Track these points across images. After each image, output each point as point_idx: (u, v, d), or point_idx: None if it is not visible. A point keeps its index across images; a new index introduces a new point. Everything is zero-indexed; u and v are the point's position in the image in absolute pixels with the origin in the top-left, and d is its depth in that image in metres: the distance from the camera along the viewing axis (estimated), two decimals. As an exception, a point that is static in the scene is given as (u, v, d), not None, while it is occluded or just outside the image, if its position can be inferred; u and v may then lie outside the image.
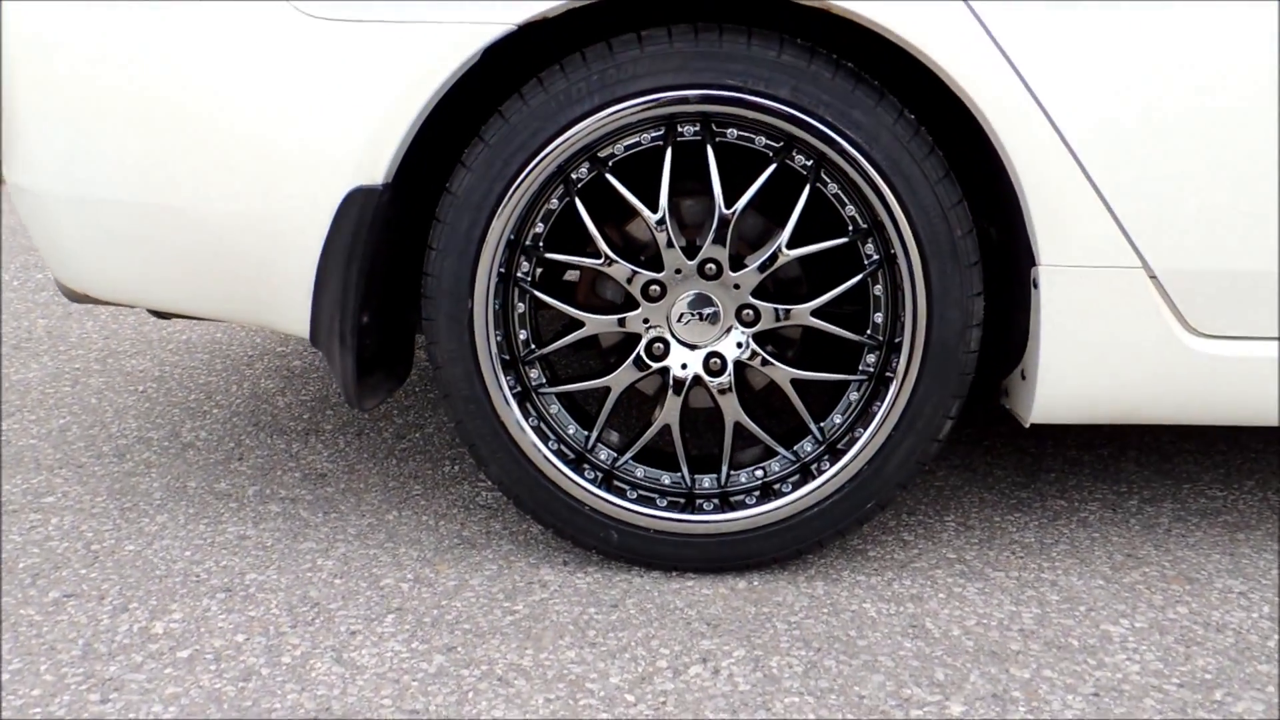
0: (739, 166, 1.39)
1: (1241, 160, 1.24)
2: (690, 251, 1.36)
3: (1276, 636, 1.32)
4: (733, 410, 1.43)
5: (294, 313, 1.40)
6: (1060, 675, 1.24)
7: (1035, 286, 1.32)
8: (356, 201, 1.31)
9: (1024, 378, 1.40)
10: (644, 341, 1.41)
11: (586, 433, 1.47)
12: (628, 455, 1.47)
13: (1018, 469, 1.82)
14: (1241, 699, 1.19)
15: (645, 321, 1.40)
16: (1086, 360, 1.33)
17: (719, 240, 1.35)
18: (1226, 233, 1.26)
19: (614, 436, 1.49)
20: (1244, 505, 1.68)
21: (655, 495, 1.46)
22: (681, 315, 1.38)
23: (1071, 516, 1.65)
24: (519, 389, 1.43)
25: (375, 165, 1.31)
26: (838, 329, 1.39)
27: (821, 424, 1.44)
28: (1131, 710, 1.17)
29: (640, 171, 1.39)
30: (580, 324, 1.42)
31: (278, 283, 1.38)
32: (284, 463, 1.85)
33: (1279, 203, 1.25)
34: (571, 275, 1.65)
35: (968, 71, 1.22)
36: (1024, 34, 1.21)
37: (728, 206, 1.33)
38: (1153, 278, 1.29)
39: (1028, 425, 1.41)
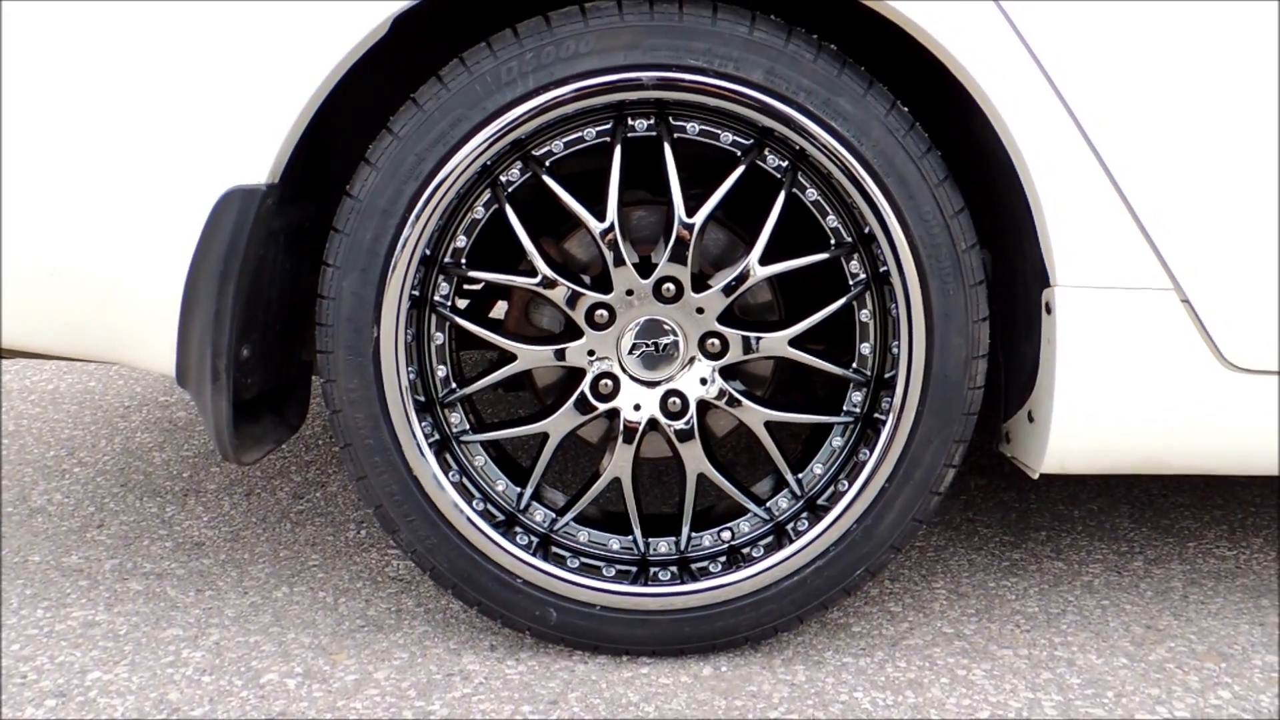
0: (702, 170, 1.18)
1: (1284, 162, 1.07)
2: (644, 270, 1.14)
3: (1337, 722, 1.12)
4: (696, 460, 1.19)
5: (155, 345, 1.13)
6: (1102, 780, 1.02)
7: (1049, 311, 1.13)
8: (233, 205, 1.06)
9: (1032, 420, 1.20)
10: (589, 378, 1.17)
11: (519, 489, 1.22)
12: (569, 516, 1.22)
13: (1003, 525, 1.62)
14: (1322, 806, 0.98)
15: (590, 354, 1.16)
16: (1106, 399, 1.14)
17: (678, 256, 1.12)
18: (1271, 251, 1.09)
19: (552, 494, 1.25)
20: (1259, 565, 1.50)
21: (602, 564, 1.21)
22: (634, 346, 1.15)
23: (1074, 581, 1.45)
24: (437, 437, 1.18)
25: (257, 161, 1.06)
26: (819, 361, 1.17)
27: (800, 475, 1.22)
28: (1195, 825, 0.95)
29: (584, 179, 1.17)
30: (511, 357, 1.17)
31: (133, 308, 1.12)
32: (153, 529, 1.55)
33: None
34: (503, 303, 1.41)
35: (978, 60, 1.04)
36: (1044, 15, 1.03)
37: (689, 216, 1.11)
38: (1185, 301, 1.11)
39: (1036, 476, 1.20)
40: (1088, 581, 1.45)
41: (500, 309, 1.44)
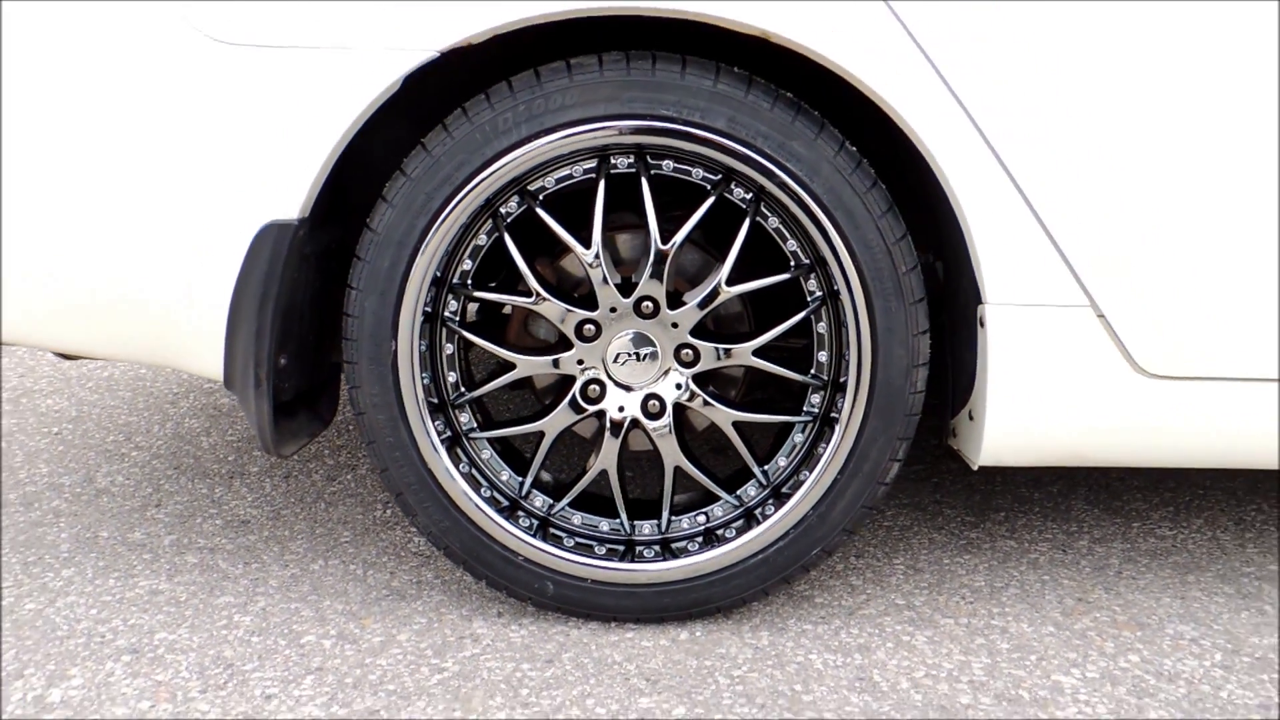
0: (677, 199, 1.34)
1: (1191, 196, 1.21)
2: (626, 289, 1.31)
3: (1228, 687, 1.28)
4: (673, 454, 1.37)
5: (205, 355, 1.31)
6: (1012, 731, 1.19)
7: (981, 325, 1.28)
8: (270, 237, 1.24)
9: (972, 418, 1.36)
10: (579, 383, 1.35)
11: (520, 479, 1.40)
12: (564, 502, 1.40)
13: (967, 507, 1.78)
14: (1197, 754, 1.15)
15: (580, 362, 1.34)
16: (1034, 401, 1.29)
17: (655, 277, 1.29)
18: (1176, 271, 1.24)
19: (549, 482, 1.43)
20: (1193, 545, 1.65)
21: (593, 543, 1.39)
22: (618, 355, 1.32)
23: (1022, 558, 1.61)
24: (448, 434, 1.36)
25: (291, 198, 1.24)
26: (780, 369, 1.34)
27: (765, 467, 1.39)
28: (1086, 768, 1.12)
29: (574, 205, 1.33)
30: (512, 365, 1.35)
31: (187, 324, 1.30)
32: (204, 509, 1.75)
33: (1230, 241, 1.22)
34: (507, 311, 1.58)
35: (912, 108, 1.19)
36: (969, 68, 1.18)
37: (664, 242, 1.28)
38: (1100, 316, 1.26)
39: (976, 468, 1.37)
40: (1034, 558, 1.61)
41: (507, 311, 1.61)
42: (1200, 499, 1.81)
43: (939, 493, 1.85)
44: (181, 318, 1.30)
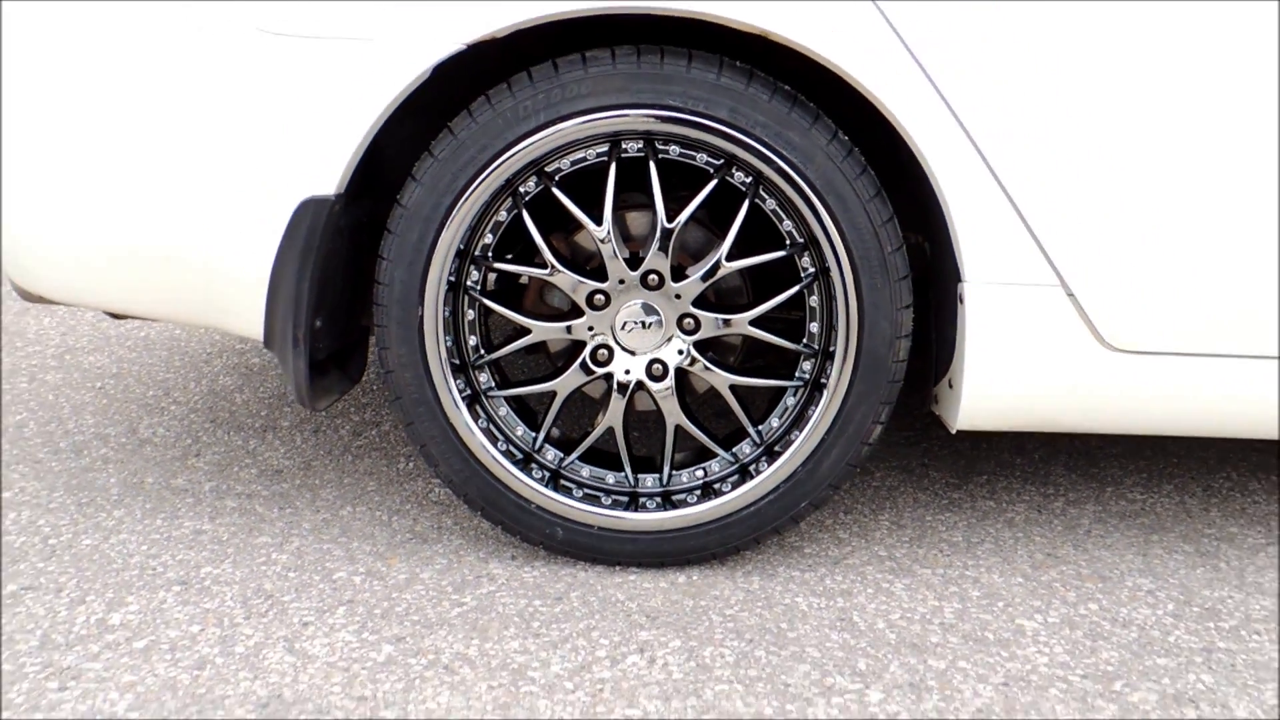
0: (682, 181, 1.46)
1: (1152, 187, 1.32)
2: (634, 263, 1.42)
3: (1176, 632, 1.41)
4: (674, 414, 1.49)
5: (248, 317, 1.44)
6: (974, 666, 1.32)
7: (961, 301, 1.40)
8: (309, 211, 1.36)
9: (951, 386, 1.47)
10: (589, 348, 1.47)
11: (534, 434, 1.52)
12: (574, 456, 1.53)
13: (952, 470, 1.91)
14: (1138, 689, 1.27)
15: (590, 329, 1.46)
16: (1007, 372, 1.41)
17: (661, 252, 1.41)
18: (1140, 255, 1.34)
19: (560, 438, 1.55)
20: (1161, 508, 1.77)
21: (600, 494, 1.52)
22: (625, 323, 1.44)
23: (999, 517, 1.73)
24: (468, 392, 1.49)
25: (327, 176, 1.35)
26: (775, 338, 1.46)
27: (760, 427, 1.51)
28: (1037, 699, 1.25)
29: (588, 184, 1.45)
30: (528, 330, 1.47)
31: (232, 289, 1.43)
32: (241, 459, 1.89)
33: (1188, 230, 1.33)
34: (524, 281, 1.70)
35: (897, 101, 1.29)
36: (948, 65, 1.28)
37: (669, 221, 1.40)
38: (1070, 295, 1.37)
39: (954, 431, 1.48)
40: (1010, 517, 1.74)
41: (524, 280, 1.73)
42: (1175, 467, 1.93)
43: (926, 457, 1.97)
44: (227, 283, 1.43)
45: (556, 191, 1.39)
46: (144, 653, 1.32)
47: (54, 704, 1.20)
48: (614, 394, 1.49)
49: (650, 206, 1.42)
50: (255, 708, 1.21)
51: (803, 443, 1.46)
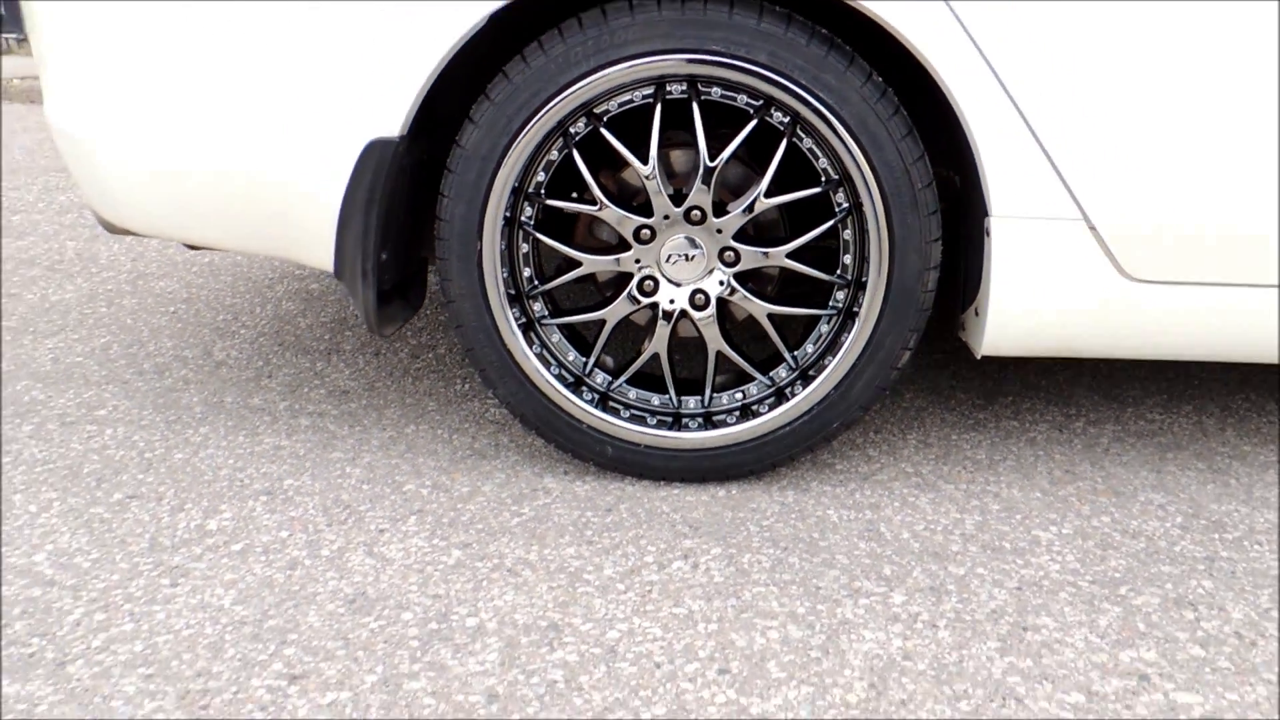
0: (723, 121, 1.53)
1: (1169, 126, 1.38)
2: (677, 199, 1.51)
3: (1182, 543, 1.52)
4: (715, 340, 1.60)
5: (320, 250, 1.56)
6: (990, 573, 1.44)
7: (988, 235, 1.47)
8: (375, 152, 1.46)
9: (977, 314, 1.56)
10: (636, 279, 1.57)
11: (585, 359, 1.64)
12: (621, 379, 1.64)
13: (979, 393, 2.00)
14: (1142, 594, 1.39)
15: (637, 261, 1.56)
16: (1031, 301, 1.49)
17: (704, 188, 1.49)
18: (1158, 190, 1.41)
19: (609, 362, 1.67)
20: (1179, 428, 1.86)
21: (646, 415, 1.64)
22: (669, 256, 1.54)
23: (1021, 436, 1.83)
24: (524, 320, 1.60)
25: (392, 119, 1.45)
26: (810, 269, 1.55)
27: (795, 352, 1.61)
28: (1047, 601, 1.37)
29: (635, 123, 1.53)
30: (579, 263, 1.58)
31: (305, 224, 1.54)
32: (310, 380, 2.03)
33: (1203, 167, 1.39)
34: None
35: (927, 42, 1.35)
36: (973, 8, 1.34)
37: (711, 159, 1.48)
38: (1092, 229, 1.44)
39: (979, 356, 1.58)
40: (1032, 437, 1.84)
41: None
42: (1195, 388, 2.01)
43: (954, 379, 2.06)
44: (300, 217, 1.54)
45: (605, 132, 1.48)
46: (241, 554, 1.47)
47: (168, 597, 1.36)
48: (659, 322, 1.59)
49: (693, 145, 1.51)
50: (344, 603, 1.36)
51: (835, 367, 1.56)
